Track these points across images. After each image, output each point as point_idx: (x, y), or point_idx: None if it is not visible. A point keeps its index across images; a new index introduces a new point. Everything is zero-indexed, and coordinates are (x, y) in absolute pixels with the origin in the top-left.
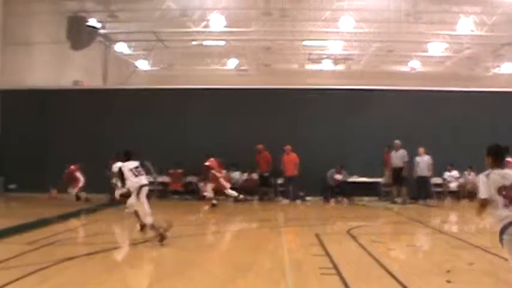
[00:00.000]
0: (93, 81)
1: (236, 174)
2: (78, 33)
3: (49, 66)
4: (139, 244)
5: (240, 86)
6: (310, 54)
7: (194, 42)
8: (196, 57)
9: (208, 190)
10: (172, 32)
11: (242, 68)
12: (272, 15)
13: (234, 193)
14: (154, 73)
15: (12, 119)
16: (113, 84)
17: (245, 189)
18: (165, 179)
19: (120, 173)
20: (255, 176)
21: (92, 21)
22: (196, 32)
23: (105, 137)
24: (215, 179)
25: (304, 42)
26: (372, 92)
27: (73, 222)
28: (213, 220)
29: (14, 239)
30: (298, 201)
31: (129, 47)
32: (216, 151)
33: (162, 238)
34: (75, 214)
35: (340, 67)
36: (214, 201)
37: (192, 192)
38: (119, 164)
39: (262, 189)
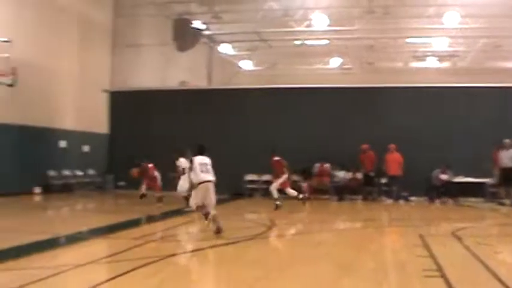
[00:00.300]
0: (198, 81)
1: (341, 174)
2: (184, 35)
3: (156, 68)
4: (242, 242)
5: (344, 85)
6: (414, 51)
7: (297, 42)
8: (299, 57)
9: (273, 189)
10: (275, 32)
11: (345, 66)
12: (375, 13)
13: (275, 195)
14: (257, 73)
15: (121, 119)
16: (217, 84)
17: (349, 189)
18: (268, 177)
19: (191, 164)
20: (359, 175)
21: (197, 23)
22: (299, 31)
23: (209, 136)
24: (283, 177)
25: (408, 40)
26: (479, 89)
27: (176, 220)
28: (317, 219)
29: (122, 234)
30: (402, 201)
31: (233, 47)
32: (319, 150)
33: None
34: (178, 212)
35: (445, 64)
36: (278, 202)
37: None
38: (182, 160)
39: (366, 188)
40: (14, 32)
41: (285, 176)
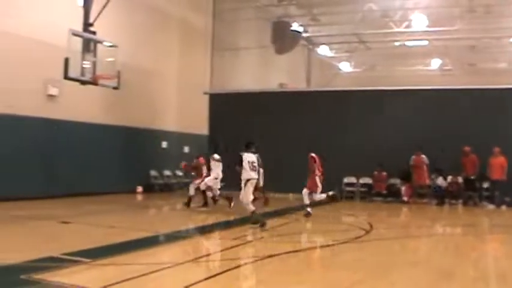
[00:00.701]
0: (296, 83)
1: (439, 180)
2: (282, 38)
3: (254, 70)
4: (340, 244)
5: (444, 87)
6: None
7: (396, 43)
8: (399, 58)
9: (305, 194)
10: (374, 34)
11: (446, 67)
12: (476, 12)
13: (322, 196)
14: (356, 75)
15: (220, 121)
16: (315, 86)
17: (449, 193)
18: (366, 180)
19: (240, 161)
20: (459, 179)
21: (295, 26)
22: (398, 32)
23: (308, 137)
24: (313, 176)
25: None
26: None
27: (276, 221)
28: (416, 223)
29: (221, 234)
30: (504, 207)
31: (331, 49)
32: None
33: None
34: (278, 213)
35: None
36: (309, 209)
37: (394, 195)
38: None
39: (467, 193)
40: (121, 36)
41: (313, 176)
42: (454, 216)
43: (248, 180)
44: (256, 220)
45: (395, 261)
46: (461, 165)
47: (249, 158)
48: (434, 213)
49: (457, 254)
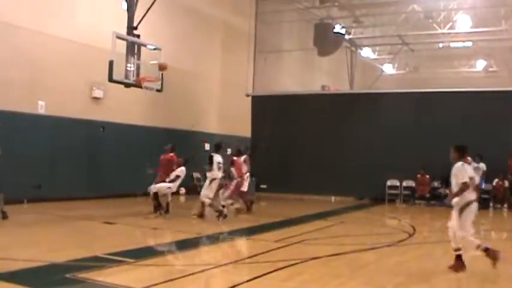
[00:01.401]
0: (339, 85)
1: (481, 165)
2: (325, 40)
3: (297, 72)
4: (383, 247)
5: (489, 89)
6: None
7: (440, 45)
8: (442, 60)
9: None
10: (417, 35)
11: (491, 69)
12: None
13: (228, 202)
14: (399, 77)
15: (263, 123)
16: (358, 88)
17: (494, 197)
18: (410, 183)
19: (211, 160)
20: (506, 182)
21: (338, 28)
22: (442, 33)
23: (351, 139)
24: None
25: None
26: None
27: (319, 223)
28: None
29: (264, 236)
30: None
31: (374, 51)
32: None
33: (220, 214)
34: (321, 215)
35: None
36: (237, 206)
37: (438, 198)
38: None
39: None
40: (164, 39)
41: (237, 180)
42: (498, 220)
43: (214, 179)
44: (219, 210)
45: (438, 264)
46: (508, 167)
47: (218, 159)
48: (477, 218)
49: (502, 259)
